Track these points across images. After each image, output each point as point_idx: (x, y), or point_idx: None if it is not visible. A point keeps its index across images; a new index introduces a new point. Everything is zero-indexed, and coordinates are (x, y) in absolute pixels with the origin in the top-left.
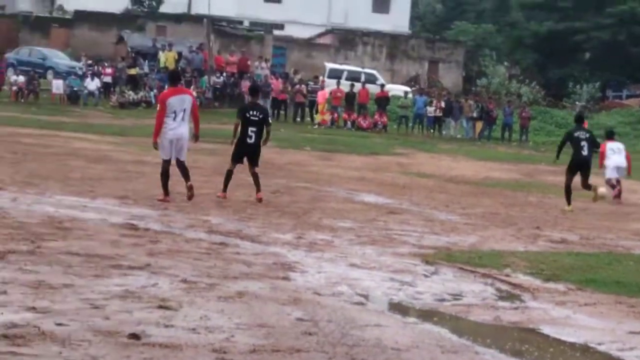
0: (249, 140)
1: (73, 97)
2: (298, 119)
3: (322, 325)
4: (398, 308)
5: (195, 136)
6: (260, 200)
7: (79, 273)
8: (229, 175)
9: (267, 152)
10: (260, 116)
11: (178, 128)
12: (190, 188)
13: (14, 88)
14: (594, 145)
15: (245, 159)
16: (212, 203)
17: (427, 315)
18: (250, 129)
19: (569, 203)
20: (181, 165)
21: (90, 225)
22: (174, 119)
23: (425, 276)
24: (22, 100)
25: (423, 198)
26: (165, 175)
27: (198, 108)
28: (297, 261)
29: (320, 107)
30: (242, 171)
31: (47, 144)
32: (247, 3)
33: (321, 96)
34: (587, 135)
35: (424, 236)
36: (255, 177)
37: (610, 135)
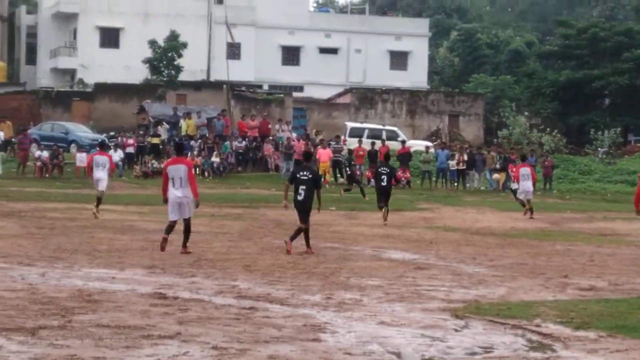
0: (298, 198)
1: None
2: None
3: None
4: None
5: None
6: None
7: (110, 345)
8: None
9: (293, 214)
10: (310, 176)
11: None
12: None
13: (38, 163)
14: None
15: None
16: (239, 268)
17: None
18: (301, 187)
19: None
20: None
21: (120, 297)
22: (173, 185)
23: (456, 330)
24: (47, 175)
25: (450, 252)
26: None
27: (222, 173)
28: (327, 322)
29: (323, 167)
30: (268, 234)
31: (73, 217)
32: (265, 67)
33: (324, 155)
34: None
35: (452, 290)
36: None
37: (523, 160)
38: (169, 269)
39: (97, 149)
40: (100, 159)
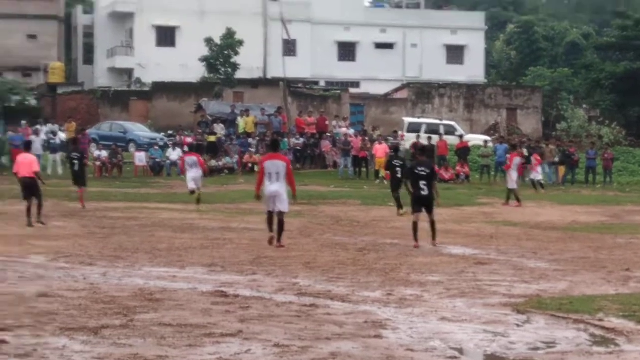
0: (422, 193)
1: (156, 169)
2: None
3: None
4: None
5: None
6: (434, 245)
7: (172, 344)
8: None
9: (352, 210)
10: (428, 171)
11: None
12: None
13: (98, 163)
14: None
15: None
16: (300, 265)
17: None
18: (421, 182)
19: None
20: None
21: (181, 295)
22: (270, 180)
23: (518, 325)
24: (106, 175)
25: (510, 247)
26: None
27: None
28: (388, 318)
29: (379, 162)
30: (327, 231)
31: (133, 217)
32: (321, 63)
33: (380, 151)
34: None
35: (513, 285)
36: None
37: (514, 149)
38: (229, 267)
39: (186, 149)
40: (190, 159)
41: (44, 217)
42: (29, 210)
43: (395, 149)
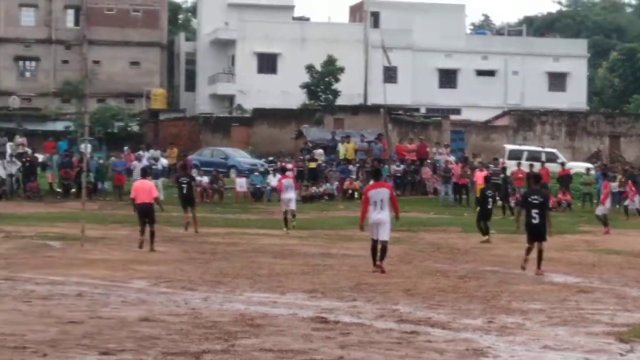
0: (533, 222)
1: (256, 194)
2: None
3: None
4: None
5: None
6: (537, 274)
7: None
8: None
9: (452, 237)
10: (541, 200)
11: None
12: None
13: (199, 189)
14: None
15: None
16: (400, 292)
17: None
18: (533, 211)
19: None
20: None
21: (281, 321)
22: (375, 208)
23: (621, 355)
24: (207, 200)
25: (613, 275)
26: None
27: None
28: (489, 346)
29: (480, 188)
30: (427, 258)
31: (234, 242)
32: (422, 90)
33: (481, 178)
34: None
35: (616, 314)
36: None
37: (606, 177)
38: (329, 293)
39: (280, 173)
40: (287, 182)
41: (155, 244)
42: (142, 232)
43: (487, 179)
